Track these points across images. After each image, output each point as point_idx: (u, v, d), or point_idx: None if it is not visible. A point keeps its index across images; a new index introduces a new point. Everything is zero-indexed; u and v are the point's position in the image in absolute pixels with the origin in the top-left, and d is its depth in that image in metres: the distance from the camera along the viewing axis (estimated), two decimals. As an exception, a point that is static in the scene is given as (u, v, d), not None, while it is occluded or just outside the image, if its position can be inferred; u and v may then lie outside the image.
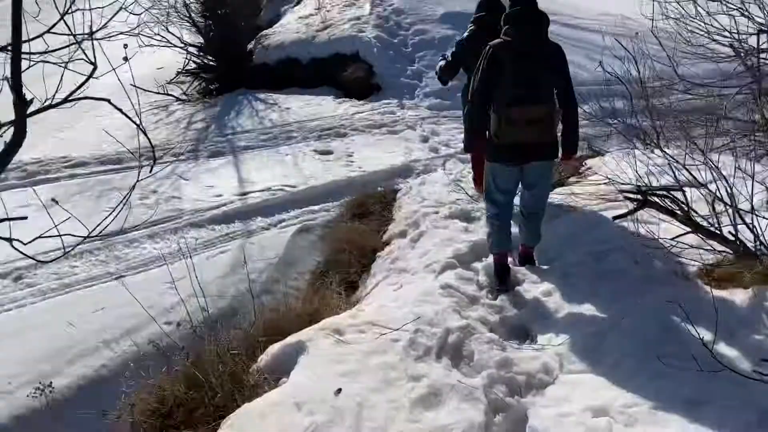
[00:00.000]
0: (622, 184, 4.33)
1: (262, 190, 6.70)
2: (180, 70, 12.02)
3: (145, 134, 2.13)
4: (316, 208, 6.26)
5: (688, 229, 2.98)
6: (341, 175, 6.92)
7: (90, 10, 2.48)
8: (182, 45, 11.86)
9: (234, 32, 11.79)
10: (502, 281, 3.78)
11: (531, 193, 3.80)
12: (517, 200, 3.93)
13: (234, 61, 11.64)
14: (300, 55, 10.95)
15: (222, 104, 10.34)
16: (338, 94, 10.05)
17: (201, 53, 12.31)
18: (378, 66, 10.08)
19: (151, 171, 2.33)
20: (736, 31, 4.78)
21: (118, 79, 2.32)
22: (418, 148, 7.66)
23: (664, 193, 2.93)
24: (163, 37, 11.62)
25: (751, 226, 2.94)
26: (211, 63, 12.28)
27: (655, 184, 4.23)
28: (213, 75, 12.10)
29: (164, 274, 4.47)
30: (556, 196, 4.72)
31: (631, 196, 3.04)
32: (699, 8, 5.07)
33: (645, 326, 2.99)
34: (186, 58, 12.08)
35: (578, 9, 15.79)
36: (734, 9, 4.91)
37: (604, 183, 4.38)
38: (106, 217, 2.07)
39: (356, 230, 4.83)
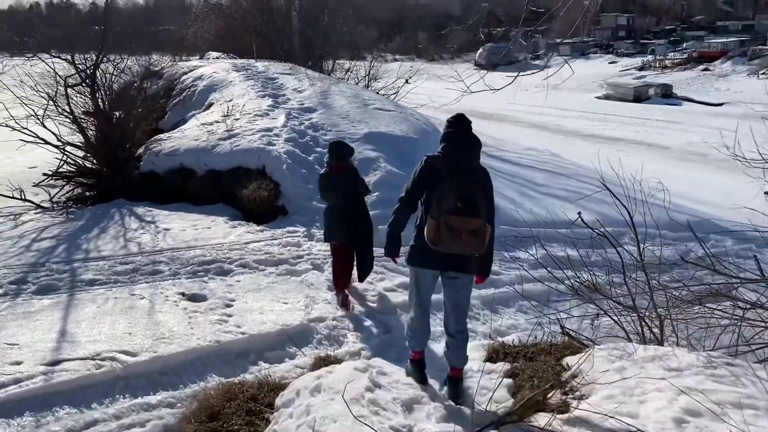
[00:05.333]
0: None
1: (85, 359, 4.27)
2: (49, 173, 9.63)
3: None
4: (154, 400, 3.87)
5: None
6: (208, 338, 4.61)
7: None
8: (58, 143, 9.61)
9: (121, 133, 9.65)
10: (423, 377, 3.72)
11: (452, 307, 3.62)
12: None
13: (117, 166, 9.42)
14: (195, 166, 8.82)
15: (88, 217, 7.94)
16: (235, 215, 7.85)
17: (86, 154, 10.05)
18: (286, 185, 8.01)
19: None
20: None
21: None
22: (324, 299, 5.49)
23: None
24: (34, 133, 9.36)
25: None
26: (93, 167, 10.00)
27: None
28: (91, 181, 9.78)
29: None
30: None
31: None
32: None
33: None
34: (61, 159, 9.77)
35: (504, 142, 14.80)
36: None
37: (610, 416, 2.37)
38: None
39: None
